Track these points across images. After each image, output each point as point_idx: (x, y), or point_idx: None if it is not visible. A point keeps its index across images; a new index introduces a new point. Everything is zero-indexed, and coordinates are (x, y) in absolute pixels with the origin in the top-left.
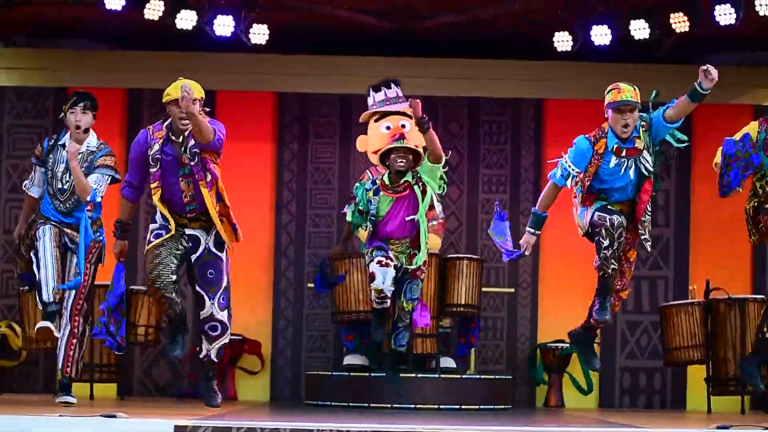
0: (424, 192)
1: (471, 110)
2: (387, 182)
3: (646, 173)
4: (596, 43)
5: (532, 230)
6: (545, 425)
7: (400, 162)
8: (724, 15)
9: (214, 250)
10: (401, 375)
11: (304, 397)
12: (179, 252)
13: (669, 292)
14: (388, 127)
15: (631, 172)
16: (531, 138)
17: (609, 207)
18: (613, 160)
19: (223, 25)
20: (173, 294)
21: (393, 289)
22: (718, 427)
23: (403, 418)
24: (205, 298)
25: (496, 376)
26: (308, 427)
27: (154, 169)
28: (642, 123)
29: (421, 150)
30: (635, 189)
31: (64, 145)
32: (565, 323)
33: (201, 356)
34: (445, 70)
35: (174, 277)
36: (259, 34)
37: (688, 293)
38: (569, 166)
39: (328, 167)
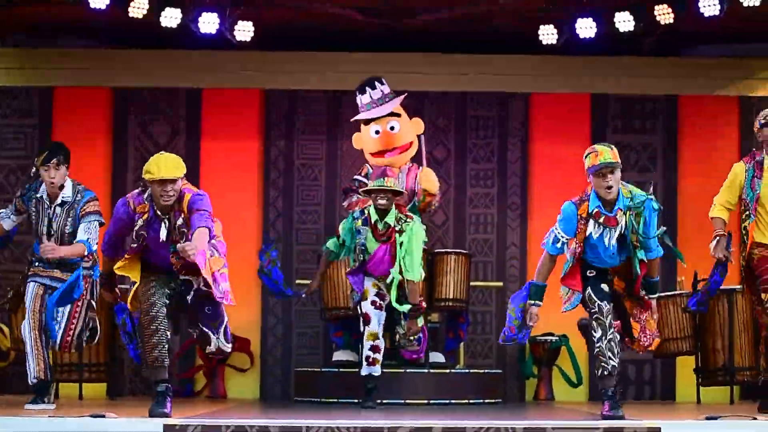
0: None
1: (458, 105)
2: (377, 226)
3: (629, 245)
4: (581, 36)
5: (533, 302)
6: (536, 419)
7: (381, 201)
8: (709, 7)
9: (205, 288)
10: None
11: (294, 394)
12: (170, 291)
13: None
14: (377, 131)
15: (611, 242)
16: (518, 132)
17: (601, 285)
18: (592, 225)
19: (208, 23)
20: (166, 326)
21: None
22: (708, 418)
23: (393, 413)
24: (210, 334)
25: (486, 371)
26: (298, 424)
27: (135, 245)
28: (631, 204)
29: (402, 190)
30: (622, 257)
31: (42, 198)
32: (553, 317)
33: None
34: (432, 66)
35: (165, 310)
36: (244, 31)
37: (676, 285)
38: (559, 233)
39: (315, 164)
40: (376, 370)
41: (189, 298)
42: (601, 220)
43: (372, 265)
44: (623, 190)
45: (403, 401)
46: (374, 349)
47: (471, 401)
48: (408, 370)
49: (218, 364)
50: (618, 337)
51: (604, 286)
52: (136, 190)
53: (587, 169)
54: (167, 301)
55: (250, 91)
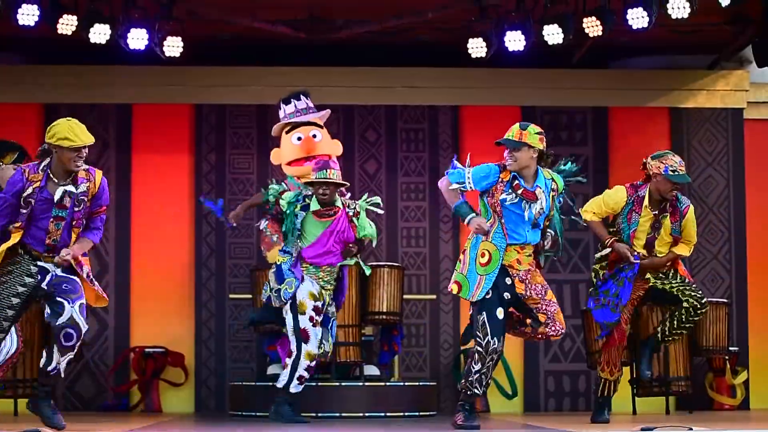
0: (357, 216)
1: (388, 118)
2: (319, 207)
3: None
4: (510, 49)
5: (471, 216)
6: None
7: (323, 194)
8: (637, 19)
9: (62, 273)
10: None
11: (229, 407)
12: (22, 289)
13: None
14: (299, 138)
15: (530, 215)
16: (449, 145)
17: (497, 312)
18: (508, 192)
19: (137, 39)
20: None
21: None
22: (643, 429)
23: (328, 426)
24: (65, 303)
25: (421, 383)
26: None
27: (25, 211)
28: (554, 186)
29: (342, 181)
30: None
31: None
32: None
33: (49, 369)
34: (362, 79)
35: (7, 324)
36: (173, 46)
37: None
38: (468, 177)
39: (246, 177)
40: (298, 388)
41: (45, 284)
42: (519, 191)
43: (315, 254)
44: (544, 172)
45: (338, 414)
46: (309, 369)
47: (406, 414)
48: (343, 384)
49: (152, 378)
50: (492, 368)
51: (500, 313)
52: (32, 163)
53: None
54: (8, 316)
55: (180, 106)
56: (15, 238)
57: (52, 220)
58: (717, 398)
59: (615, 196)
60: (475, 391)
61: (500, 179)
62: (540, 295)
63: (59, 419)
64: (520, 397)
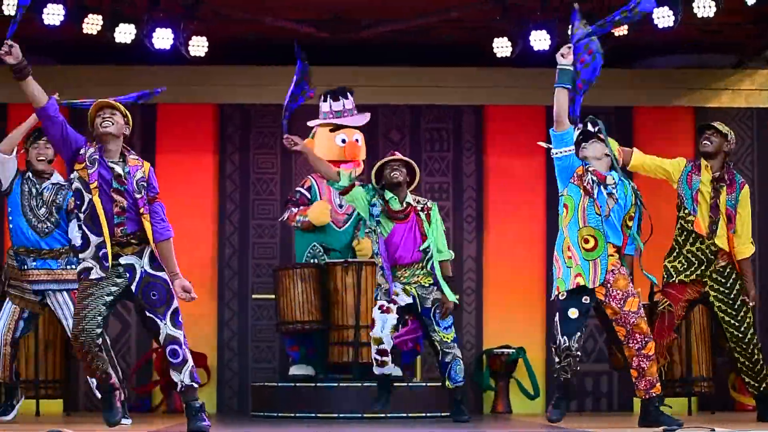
0: (428, 216)
1: (412, 118)
2: (393, 207)
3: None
4: (535, 49)
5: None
6: (493, 431)
7: (395, 174)
8: (663, 18)
9: (151, 271)
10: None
11: (251, 408)
12: (111, 297)
13: None
14: (344, 140)
15: (609, 204)
16: (472, 145)
17: (569, 313)
18: (589, 180)
19: (162, 38)
20: (97, 348)
21: (393, 341)
22: (665, 430)
23: (351, 427)
24: (157, 320)
25: (450, 383)
26: None
27: (92, 170)
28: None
29: (413, 163)
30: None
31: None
32: (510, 329)
33: (177, 390)
34: (386, 79)
35: (99, 330)
36: (198, 46)
37: None
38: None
39: (270, 177)
40: (388, 369)
41: (134, 286)
42: (596, 177)
43: (392, 252)
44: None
45: (360, 415)
46: (380, 352)
47: (428, 414)
48: (365, 384)
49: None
50: (572, 361)
51: (573, 313)
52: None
53: None
54: (100, 320)
55: (204, 106)
56: (95, 195)
57: (113, 191)
58: (739, 399)
59: (675, 163)
60: (563, 377)
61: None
62: (619, 305)
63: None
64: (543, 397)
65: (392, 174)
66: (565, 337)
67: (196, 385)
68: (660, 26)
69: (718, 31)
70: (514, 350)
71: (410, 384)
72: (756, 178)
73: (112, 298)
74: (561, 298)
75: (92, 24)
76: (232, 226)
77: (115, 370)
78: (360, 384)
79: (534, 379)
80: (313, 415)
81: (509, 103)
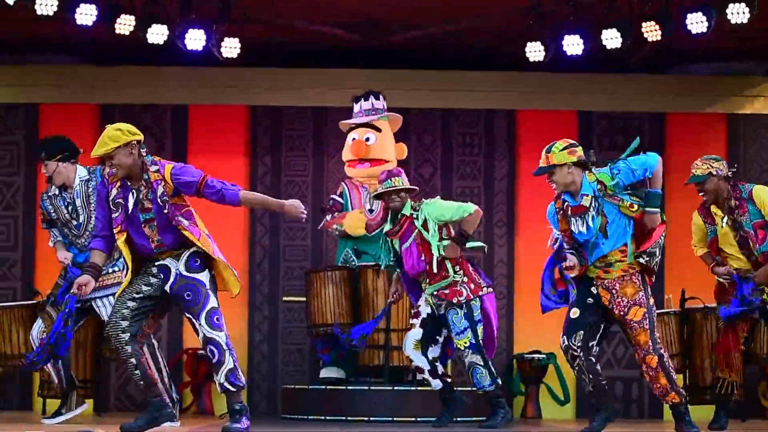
0: (425, 226)
1: (444, 122)
2: (389, 226)
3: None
4: (568, 54)
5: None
6: None
7: (394, 203)
8: (696, 24)
9: (186, 273)
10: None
11: (281, 411)
12: (141, 294)
13: None
14: (353, 139)
15: (582, 228)
16: (504, 149)
17: (570, 315)
18: (570, 218)
19: (195, 39)
20: (126, 342)
21: (420, 353)
22: None
23: (381, 431)
24: (193, 321)
25: (474, 388)
26: None
27: (116, 214)
28: (599, 186)
29: (413, 187)
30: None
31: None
32: (541, 334)
33: (219, 391)
34: (418, 83)
35: (125, 324)
36: (231, 47)
37: (663, 303)
38: (555, 232)
39: (301, 180)
40: (434, 386)
41: (168, 287)
42: (569, 212)
43: (409, 268)
44: (589, 176)
45: (391, 419)
46: (417, 370)
47: (458, 419)
48: (396, 388)
49: (205, 380)
50: (583, 365)
51: (574, 313)
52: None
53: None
54: (126, 312)
55: (236, 107)
56: (120, 240)
57: (143, 224)
58: None
59: (696, 223)
60: (587, 387)
61: (557, 209)
62: (622, 312)
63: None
64: (573, 403)
65: (391, 204)
66: (564, 336)
67: (232, 388)
68: (693, 32)
69: (751, 37)
70: (544, 355)
71: (418, 389)
72: None
73: (142, 294)
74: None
75: (125, 24)
76: (263, 228)
77: (160, 374)
78: (391, 387)
79: (564, 384)
80: (344, 418)
81: (541, 108)
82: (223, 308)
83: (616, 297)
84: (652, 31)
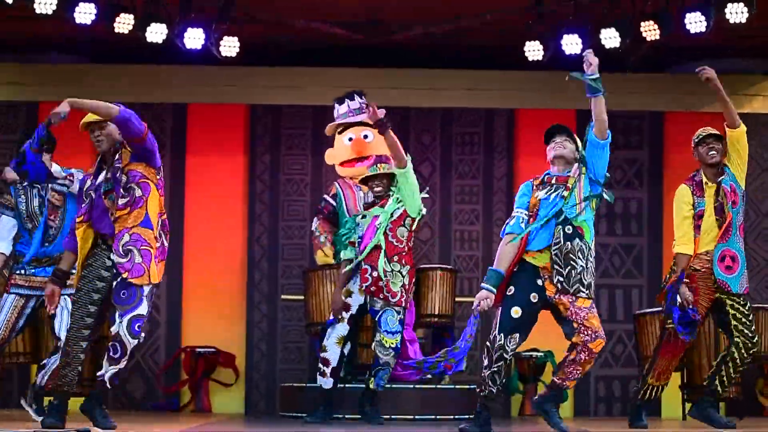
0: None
1: (443, 121)
2: (372, 200)
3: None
4: (567, 53)
5: (487, 286)
6: None
7: (377, 188)
8: (695, 23)
9: (117, 259)
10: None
11: (279, 409)
12: (102, 288)
13: (643, 300)
14: (350, 139)
15: (557, 200)
16: (503, 148)
17: (512, 311)
18: (542, 190)
19: (194, 38)
20: (80, 354)
21: (339, 349)
22: None
23: (379, 429)
24: (116, 316)
25: (471, 386)
26: None
27: (84, 204)
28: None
29: (395, 171)
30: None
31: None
32: (539, 332)
33: (98, 374)
34: (417, 81)
35: (91, 321)
36: (230, 46)
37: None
38: (515, 209)
39: (300, 179)
40: (325, 383)
41: (115, 283)
42: (553, 180)
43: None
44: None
45: (388, 416)
46: (323, 361)
47: (456, 417)
48: (393, 386)
49: (203, 378)
50: (503, 367)
51: (515, 312)
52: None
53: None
54: (91, 312)
55: (235, 106)
56: (79, 230)
57: (104, 197)
58: (767, 404)
59: (683, 198)
60: (489, 389)
61: (534, 184)
62: (570, 300)
63: (110, 422)
64: (570, 401)
65: (374, 187)
66: (501, 334)
67: (109, 386)
68: (692, 31)
69: (750, 36)
70: (541, 353)
71: (438, 386)
72: None
73: (101, 296)
74: (508, 292)
75: (124, 23)
76: (262, 227)
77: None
78: (389, 386)
79: None
80: (341, 416)
81: (540, 107)
82: (223, 306)
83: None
84: (650, 31)
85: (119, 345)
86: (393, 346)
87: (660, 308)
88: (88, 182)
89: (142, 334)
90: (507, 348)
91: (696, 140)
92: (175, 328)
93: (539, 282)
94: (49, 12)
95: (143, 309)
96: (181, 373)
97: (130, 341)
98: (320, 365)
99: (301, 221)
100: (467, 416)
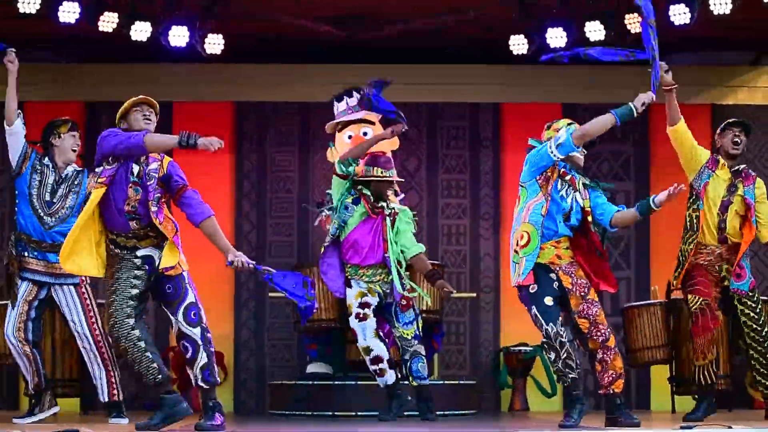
0: (393, 221)
1: (430, 115)
2: (370, 199)
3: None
4: (552, 46)
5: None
6: (511, 429)
7: (377, 188)
8: (679, 15)
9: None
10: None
11: (268, 406)
12: (138, 287)
13: (631, 292)
14: (350, 136)
15: (569, 201)
16: (489, 142)
17: (545, 300)
18: (559, 182)
19: (178, 36)
20: (141, 346)
21: (380, 342)
22: (682, 427)
23: (368, 425)
24: (169, 315)
25: (460, 381)
26: None
27: (110, 167)
28: (583, 182)
29: (391, 177)
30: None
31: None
32: (527, 327)
33: (200, 384)
34: (403, 77)
35: (132, 321)
36: (214, 44)
37: (649, 294)
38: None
39: (287, 176)
40: (388, 379)
41: (153, 277)
42: (567, 178)
43: (358, 253)
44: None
45: (377, 413)
46: (374, 361)
47: (446, 412)
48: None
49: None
50: (570, 351)
51: (548, 300)
52: None
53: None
54: (132, 305)
55: (221, 104)
56: (98, 194)
57: (131, 185)
58: (757, 397)
59: (701, 151)
60: (570, 376)
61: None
62: (582, 294)
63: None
64: (560, 395)
65: (373, 188)
66: (551, 323)
67: (205, 385)
68: (676, 23)
69: (734, 27)
70: (531, 348)
71: (428, 382)
72: None
73: (138, 291)
74: (531, 290)
75: (108, 22)
76: (250, 224)
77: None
78: (377, 382)
79: (551, 377)
80: (331, 413)
81: (526, 101)
82: (210, 305)
83: (576, 279)
84: (635, 23)
85: (188, 342)
86: (414, 335)
87: (646, 302)
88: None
89: (204, 320)
90: (561, 332)
91: (721, 128)
92: (163, 327)
93: (552, 276)
94: (33, 11)
95: (192, 296)
96: (169, 372)
97: (192, 331)
98: (373, 366)
99: (288, 218)
100: (456, 412)
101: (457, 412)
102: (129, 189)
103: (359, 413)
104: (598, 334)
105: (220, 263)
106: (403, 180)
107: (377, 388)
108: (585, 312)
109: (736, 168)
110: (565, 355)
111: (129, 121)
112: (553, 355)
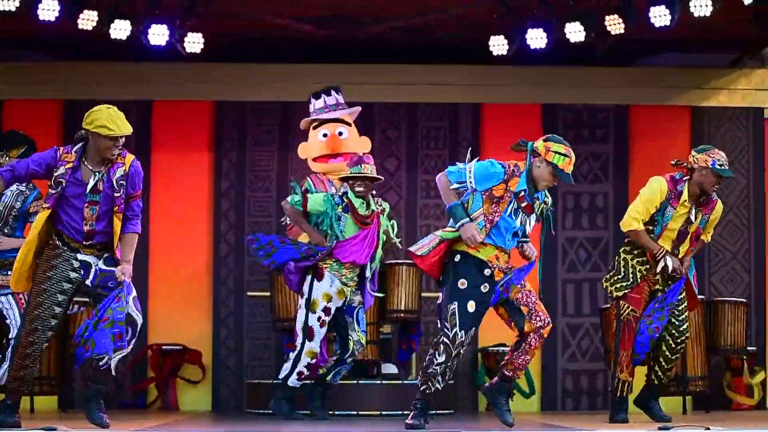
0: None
1: (409, 116)
2: (359, 212)
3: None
4: (532, 47)
5: (464, 220)
6: (488, 429)
7: (359, 188)
8: (659, 17)
9: (105, 267)
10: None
11: (246, 405)
12: (68, 290)
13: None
14: (325, 135)
15: (517, 222)
16: (469, 142)
17: (467, 305)
18: (511, 204)
19: (158, 35)
20: (41, 351)
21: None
22: (660, 428)
23: (345, 424)
24: (114, 302)
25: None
26: None
27: (54, 191)
28: (545, 199)
29: (376, 175)
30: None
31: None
32: (505, 327)
33: (100, 363)
34: (383, 77)
35: (55, 322)
36: (194, 43)
37: None
38: (470, 179)
39: (266, 175)
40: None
41: (90, 281)
42: (523, 204)
43: (347, 251)
44: None
45: (355, 412)
46: (310, 366)
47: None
48: (361, 382)
49: (170, 375)
50: (454, 365)
51: (471, 306)
52: (69, 145)
53: (550, 162)
54: (56, 314)
55: (200, 103)
56: (42, 216)
57: (87, 205)
58: (734, 398)
59: (657, 192)
60: (436, 385)
61: (506, 184)
62: (521, 284)
63: (104, 419)
64: (538, 396)
65: (356, 187)
66: (462, 331)
67: (111, 373)
68: (657, 25)
69: (714, 29)
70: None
71: (405, 382)
72: (751, 177)
73: (66, 297)
74: (460, 285)
75: (87, 20)
76: (228, 223)
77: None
78: (355, 381)
79: (529, 377)
80: (308, 412)
81: (505, 101)
82: (189, 303)
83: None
84: (615, 25)
85: (130, 326)
86: (364, 342)
87: None
88: (62, 170)
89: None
90: (464, 344)
91: (714, 168)
92: (141, 326)
93: (487, 272)
94: (12, 9)
95: (133, 290)
96: (147, 371)
97: (140, 318)
98: (307, 371)
99: (267, 217)
100: (434, 411)
101: (434, 412)
102: (85, 209)
103: (336, 412)
104: (537, 319)
105: (198, 261)
106: (381, 178)
107: (354, 387)
108: (524, 300)
109: (701, 200)
110: (450, 365)
111: (98, 143)
112: (442, 359)
